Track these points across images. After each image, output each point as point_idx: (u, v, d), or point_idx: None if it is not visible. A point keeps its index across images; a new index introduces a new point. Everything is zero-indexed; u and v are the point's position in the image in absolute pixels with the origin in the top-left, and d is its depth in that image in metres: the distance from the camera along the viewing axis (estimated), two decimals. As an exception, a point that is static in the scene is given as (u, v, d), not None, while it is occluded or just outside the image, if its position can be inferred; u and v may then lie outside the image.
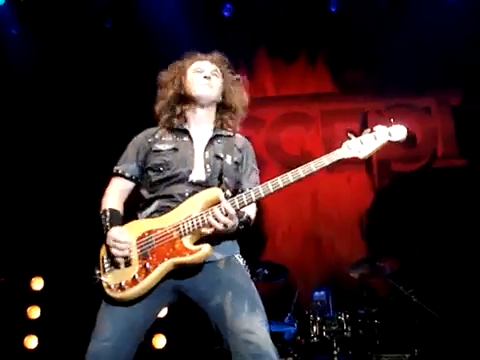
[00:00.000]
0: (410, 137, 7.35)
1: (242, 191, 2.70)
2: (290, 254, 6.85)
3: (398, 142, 2.59)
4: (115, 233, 2.56)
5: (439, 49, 6.56)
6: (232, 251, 2.69)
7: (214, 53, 2.96)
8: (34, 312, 6.49)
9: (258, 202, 2.69)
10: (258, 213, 7.28)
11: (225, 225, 2.47)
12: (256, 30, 6.93)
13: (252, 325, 2.43)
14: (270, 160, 7.17)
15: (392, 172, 7.09)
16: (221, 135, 2.84)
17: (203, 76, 2.81)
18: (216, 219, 2.46)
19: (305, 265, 6.76)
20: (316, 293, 5.92)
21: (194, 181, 2.66)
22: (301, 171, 2.54)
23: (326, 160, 2.58)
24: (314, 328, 5.51)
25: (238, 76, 2.98)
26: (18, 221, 6.54)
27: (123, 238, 2.55)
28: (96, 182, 7.06)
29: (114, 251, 2.52)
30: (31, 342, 6.41)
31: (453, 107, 7.05)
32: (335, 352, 5.38)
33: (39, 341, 6.43)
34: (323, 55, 7.32)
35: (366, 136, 2.57)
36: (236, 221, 2.54)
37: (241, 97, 2.92)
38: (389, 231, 6.60)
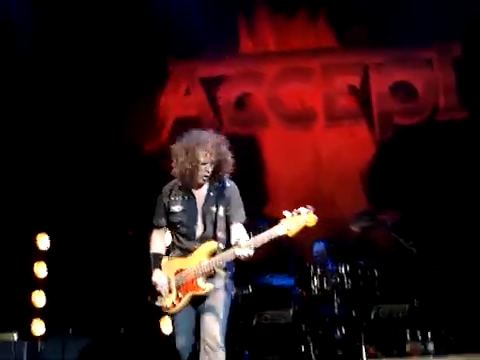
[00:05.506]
0: (411, 90, 7.29)
1: (231, 223, 3.64)
2: (292, 208, 6.88)
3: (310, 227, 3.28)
4: (156, 277, 3.68)
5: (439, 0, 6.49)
6: (222, 284, 3.63)
7: (214, 138, 3.64)
8: (41, 269, 6.58)
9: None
10: (260, 169, 7.35)
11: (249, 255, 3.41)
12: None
13: (210, 334, 3.56)
14: (271, 115, 7.18)
15: (394, 125, 7.09)
16: (215, 188, 3.70)
17: (204, 175, 3.64)
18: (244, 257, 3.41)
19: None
20: (316, 245, 6.02)
21: (198, 236, 3.67)
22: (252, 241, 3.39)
23: (266, 237, 3.37)
24: (315, 281, 5.61)
25: (227, 151, 3.63)
26: (23, 179, 6.63)
27: (162, 281, 3.67)
28: (99, 145, 7.12)
29: (158, 289, 3.69)
30: (39, 299, 6.52)
31: (454, 59, 7.00)
32: (336, 304, 5.48)
33: (47, 299, 6.54)
34: (324, 9, 7.25)
35: (295, 217, 3.34)
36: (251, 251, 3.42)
37: (228, 161, 3.66)
38: (391, 184, 6.65)
